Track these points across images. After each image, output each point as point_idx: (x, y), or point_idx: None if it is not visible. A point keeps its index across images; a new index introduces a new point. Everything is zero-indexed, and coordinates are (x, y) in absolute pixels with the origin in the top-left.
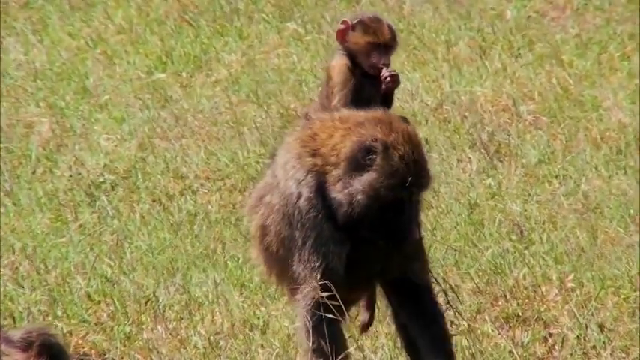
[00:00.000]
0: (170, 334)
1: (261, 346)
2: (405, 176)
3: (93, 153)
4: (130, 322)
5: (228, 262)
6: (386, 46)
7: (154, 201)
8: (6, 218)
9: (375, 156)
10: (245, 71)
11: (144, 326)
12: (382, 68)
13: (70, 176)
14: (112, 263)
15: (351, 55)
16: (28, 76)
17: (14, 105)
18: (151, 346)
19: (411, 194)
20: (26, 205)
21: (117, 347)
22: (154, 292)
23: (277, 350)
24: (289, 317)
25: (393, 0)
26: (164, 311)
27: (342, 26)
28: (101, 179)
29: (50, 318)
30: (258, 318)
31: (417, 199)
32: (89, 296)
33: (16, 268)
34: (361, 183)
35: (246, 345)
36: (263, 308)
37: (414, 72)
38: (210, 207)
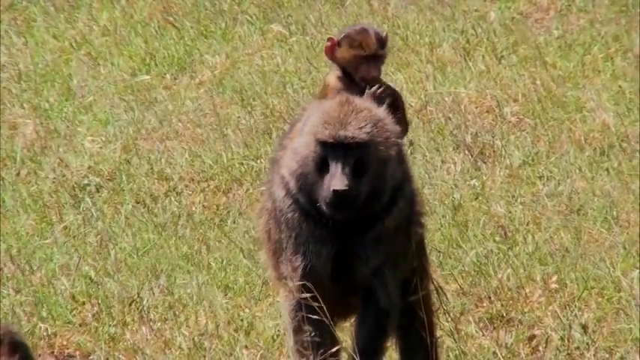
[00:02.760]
0: (154, 335)
1: (246, 347)
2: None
3: (77, 154)
4: (114, 323)
5: (213, 263)
6: (373, 57)
7: (138, 202)
8: None
9: None
10: (229, 73)
11: (128, 327)
12: (371, 80)
13: (55, 178)
14: (97, 264)
15: (343, 71)
16: (12, 78)
17: None
18: (135, 347)
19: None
20: (10, 206)
21: (101, 348)
22: (138, 294)
23: (262, 351)
24: (273, 318)
25: (377, 2)
26: (148, 312)
27: (328, 43)
28: (85, 181)
29: (35, 319)
30: (242, 319)
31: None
32: (74, 297)
33: (1, 269)
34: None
35: (230, 346)
36: (247, 310)
37: (398, 73)
38: (194, 208)
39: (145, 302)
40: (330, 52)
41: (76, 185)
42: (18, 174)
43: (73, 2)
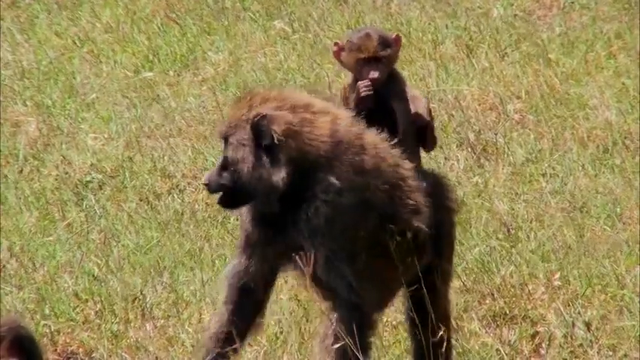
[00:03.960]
0: (158, 332)
1: (249, 344)
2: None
3: (80, 152)
4: (117, 320)
5: (216, 260)
6: (375, 59)
7: (141, 200)
8: None
9: None
10: (232, 70)
11: (131, 324)
12: (375, 82)
13: (57, 175)
14: (100, 262)
15: (352, 73)
16: (15, 75)
17: (1, 104)
18: (138, 345)
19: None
20: (13, 203)
21: (104, 346)
22: (141, 291)
23: (265, 348)
24: (276, 315)
25: None
26: (152, 309)
27: (335, 48)
28: (88, 178)
29: (38, 316)
30: None
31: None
32: (77, 295)
33: (4, 266)
34: None
35: None
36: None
37: (401, 70)
38: (197, 206)
39: (148, 299)
40: (337, 56)
41: (78, 182)
42: (21, 171)
43: (76, 0)
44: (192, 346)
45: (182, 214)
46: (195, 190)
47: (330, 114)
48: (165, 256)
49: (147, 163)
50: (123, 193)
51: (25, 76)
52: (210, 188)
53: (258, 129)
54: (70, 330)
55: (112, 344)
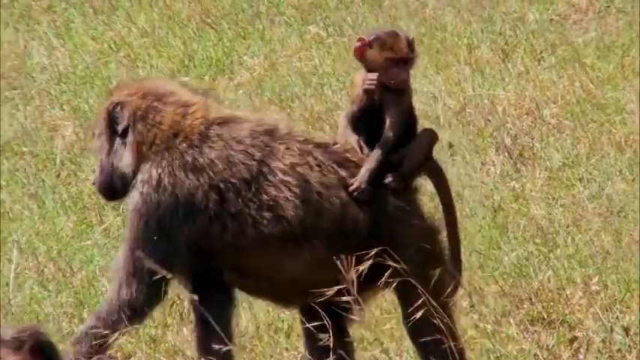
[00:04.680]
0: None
1: (286, 349)
2: None
3: None
4: (155, 324)
5: None
6: (404, 60)
7: None
8: (30, 221)
9: None
10: (268, 74)
11: (169, 329)
12: (401, 84)
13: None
14: None
15: (370, 71)
16: (52, 80)
17: (38, 108)
18: (176, 349)
19: None
20: (51, 208)
21: (143, 350)
22: (178, 295)
23: (301, 354)
24: None
25: (415, 3)
26: (189, 314)
27: (359, 44)
28: None
29: (76, 320)
30: (283, 321)
31: None
32: None
33: (42, 271)
34: None
35: (270, 348)
36: (287, 312)
37: (437, 75)
38: None
39: (185, 304)
40: (360, 52)
41: None
42: (58, 175)
43: (112, 4)
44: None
45: None
46: None
47: (186, 106)
48: None
49: None
50: None
51: (61, 80)
52: (98, 188)
53: (113, 115)
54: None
55: (150, 348)
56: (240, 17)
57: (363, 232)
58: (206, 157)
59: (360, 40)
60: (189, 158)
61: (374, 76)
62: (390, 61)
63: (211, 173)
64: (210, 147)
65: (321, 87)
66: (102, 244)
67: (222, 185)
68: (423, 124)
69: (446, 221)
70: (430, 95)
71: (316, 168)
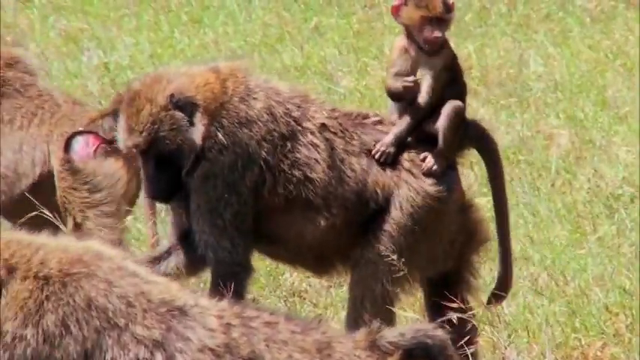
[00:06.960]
0: None
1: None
2: None
3: (612, 165)
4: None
5: None
6: (439, 19)
7: None
8: (525, 229)
9: None
10: None
11: None
12: (434, 42)
13: (589, 188)
14: (631, 275)
15: (408, 32)
16: (548, 88)
17: (534, 117)
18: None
19: None
20: (545, 216)
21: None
22: None
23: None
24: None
25: None
26: None
27: (396, 2)
28: (620, 191)
29: (568, 330)
30: None
31: None
32: (607, 308)
33: (535, 279)
34: None
35: None
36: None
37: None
38: None
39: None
40: (397, 11)
41: (610, 196)
42: (553, 184)
43: (609, 13)
44: None
45: None
46: None
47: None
48: None
49: None
50: None
51: (557, 88)
52: None
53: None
54: (600, 344)
55: None
56: None
57: (381, 201)
58: (253, 109)
59: None
60: (241, 113)
61: (413, 78)
62: (425, 19)
63: (260, 124)
64: (255, 98)
65: None
66: (596, 253)
67: (268, 137)
68: None
69: (495, 208)
70: None
71: (340, 134)
